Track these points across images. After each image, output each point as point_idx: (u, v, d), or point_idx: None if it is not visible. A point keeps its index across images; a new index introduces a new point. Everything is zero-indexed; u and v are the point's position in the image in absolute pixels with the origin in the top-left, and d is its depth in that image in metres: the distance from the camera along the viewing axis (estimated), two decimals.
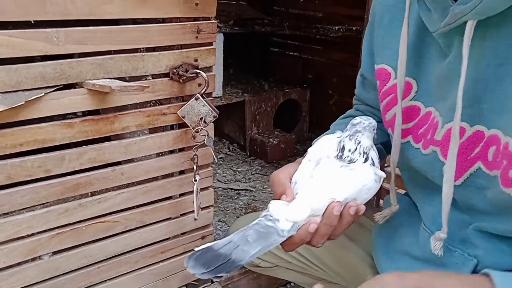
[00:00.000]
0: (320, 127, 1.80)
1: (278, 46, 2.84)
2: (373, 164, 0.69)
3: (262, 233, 0.66)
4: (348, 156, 0.69)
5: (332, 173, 0.69)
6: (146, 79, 0.97)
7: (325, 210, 0.67)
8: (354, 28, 2.29)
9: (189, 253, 0.66)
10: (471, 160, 0.65)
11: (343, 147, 0.70)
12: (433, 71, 0.71)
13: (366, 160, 0.69)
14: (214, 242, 0.67)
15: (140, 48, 0.94)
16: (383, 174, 0.70)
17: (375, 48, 0.81)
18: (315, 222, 0.67)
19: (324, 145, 0.73)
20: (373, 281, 0.61)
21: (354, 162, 0.69)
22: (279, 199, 0.70)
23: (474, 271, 0.67)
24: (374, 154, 0.71)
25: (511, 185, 0.59)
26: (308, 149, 0.76)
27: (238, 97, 2.22)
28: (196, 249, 0.66)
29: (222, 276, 0.64)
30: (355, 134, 0.70)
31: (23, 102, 0.80)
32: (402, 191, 0.90)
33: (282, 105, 2.35)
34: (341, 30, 2.38)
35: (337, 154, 0.70)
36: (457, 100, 0.61)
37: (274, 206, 0.68)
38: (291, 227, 0.66)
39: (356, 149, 0.69)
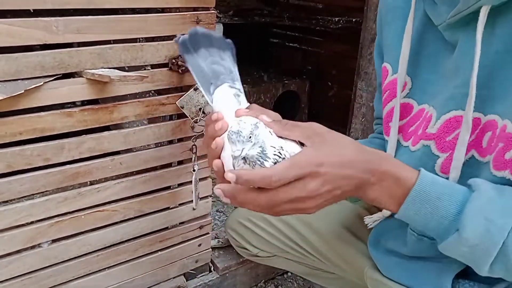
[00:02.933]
0: (319, 119, 1.81)
1: (278, 37, 2.83)
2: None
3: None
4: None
5: None
6: (145, 69, 0.97)
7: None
8: (354, 20, 2.28)
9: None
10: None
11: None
12: (432, 69, 0.71)
13: None
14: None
15: (139, 38, 0.94)
16: None
17: (383, 47, 0.82)
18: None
19: None
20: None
21: None
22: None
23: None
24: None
25: (505, 168, 0.60)
26: None
27: None
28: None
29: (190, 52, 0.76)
30: None
31: (23, 91, 0.80)
32: None
33: (281, 96, 2.35)
34: (341, 21, 2.37)
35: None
36: (470, 88, 0.61)
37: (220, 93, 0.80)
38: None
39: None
